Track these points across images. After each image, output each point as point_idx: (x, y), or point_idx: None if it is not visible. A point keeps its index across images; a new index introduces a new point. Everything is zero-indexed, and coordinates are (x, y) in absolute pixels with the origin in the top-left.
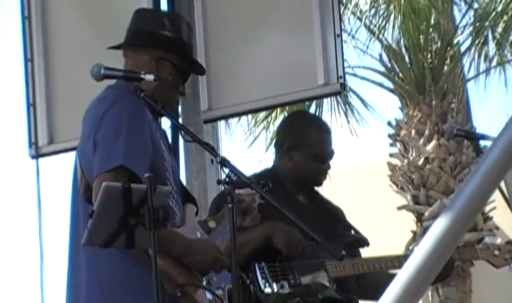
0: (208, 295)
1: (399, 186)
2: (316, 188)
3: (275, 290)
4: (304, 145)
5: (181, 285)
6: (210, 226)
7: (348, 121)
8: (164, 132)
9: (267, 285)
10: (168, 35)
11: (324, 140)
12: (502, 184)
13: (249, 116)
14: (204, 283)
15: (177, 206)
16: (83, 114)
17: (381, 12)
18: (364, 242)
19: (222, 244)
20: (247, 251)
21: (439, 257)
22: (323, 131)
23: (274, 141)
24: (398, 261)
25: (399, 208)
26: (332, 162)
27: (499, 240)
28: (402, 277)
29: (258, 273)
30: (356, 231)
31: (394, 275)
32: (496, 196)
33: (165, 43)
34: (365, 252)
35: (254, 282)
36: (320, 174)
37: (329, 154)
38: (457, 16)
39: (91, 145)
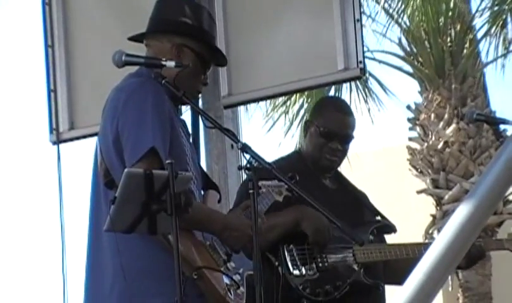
0: (226, 280)
1: (419, 170)
2: (340, 172)
3: (304, 272)
4: (317, 121)
5: (197, 268)
6: None
7: (368, 106)
8: (183, 120)
9: (295, 267)
10: (189, 22)
11: (336, 119)
12: None
13: (268, 101)
14: (222, 267)
15: (198, 192)
16: (104, 102)
17: None
18: (391, 229)
19: None
20: (276, 234)
21: (462, 244)
22: (337, 111)
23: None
24: (425, 248)
25: (419, 192)
26: (349, 146)
27: None
28: (425, 263)
29: (287, 255)
30: (383, 217)
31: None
32: None
33: (186, 30)
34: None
35: (282, 264)
36: (326, 152)
37: (340, 134)
38: None
39: (113, 133)
